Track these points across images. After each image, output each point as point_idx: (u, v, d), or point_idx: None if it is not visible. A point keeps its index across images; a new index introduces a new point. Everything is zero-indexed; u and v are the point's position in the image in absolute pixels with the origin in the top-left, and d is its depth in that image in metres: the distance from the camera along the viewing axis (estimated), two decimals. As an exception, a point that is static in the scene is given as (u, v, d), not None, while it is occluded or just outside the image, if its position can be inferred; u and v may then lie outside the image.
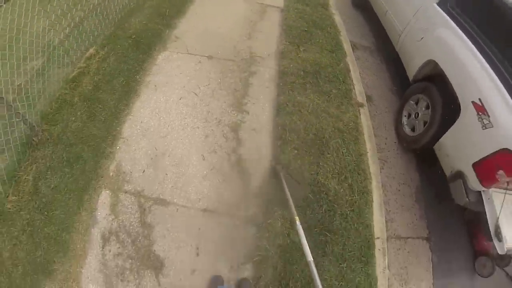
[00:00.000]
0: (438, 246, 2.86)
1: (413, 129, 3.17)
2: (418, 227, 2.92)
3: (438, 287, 2.67)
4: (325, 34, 3.65)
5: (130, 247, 2.20)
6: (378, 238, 2.57)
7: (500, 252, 2.23)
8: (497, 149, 2.14)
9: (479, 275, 2.75)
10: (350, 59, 3.59)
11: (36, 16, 2.51)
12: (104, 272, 2.12)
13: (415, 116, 3.14)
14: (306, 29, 3.64)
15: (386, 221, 2.74)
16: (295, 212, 1.90)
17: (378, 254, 2.50)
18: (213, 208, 2.34)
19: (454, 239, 2.95)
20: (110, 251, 2.19)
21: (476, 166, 2.32)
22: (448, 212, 3.00)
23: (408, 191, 3.08)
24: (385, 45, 3.89)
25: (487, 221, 2.32)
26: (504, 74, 2.25)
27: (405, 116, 3.28)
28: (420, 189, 3.12)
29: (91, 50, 2.98)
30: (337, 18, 3.99)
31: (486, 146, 2.22)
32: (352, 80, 3.39)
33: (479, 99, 2.30)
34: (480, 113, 2.29)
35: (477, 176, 2.31)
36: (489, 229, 2.64)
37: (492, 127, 2.19)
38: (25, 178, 2.37)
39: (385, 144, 3.28)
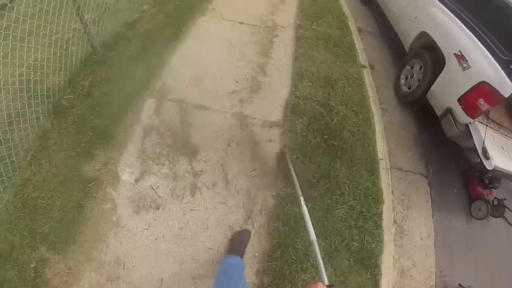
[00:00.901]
0: (436, 184, 3.15)
1: (409, 88, 3.72)
2: (417, 165, 3.25)
3: (436, 218, 2.92)
4: (334, 17, 4.41)
5: (169, 138, 2.59)
6: (381, 159, 2.96)
7: (488, 168, 2.57)
8: (476, 82, 2.67)
9: (474, 217, 3.03)
10: (356, 36, 4.28)
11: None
12: (141, 158, 2.44)
13: (411, 77, 3.71)
14: (318, 12, 4.41)
15: (388, 155, 3.12)
16: (300, 192, 1.93)
17: (382, 172, 2.86)
18: (243, 115, 2.80)
19: (451, 181, 3.26)
20: (149, 141, 2.55)
21: (461, 100, 2.82)
22: (445, 158, 3.38)
23: (407, 136, 3.48)
24: (386, 31, 4.63)
25: (479, 167, 2.68)
26: (477, 30, 2.94)
27: (403, 78, 3.85)
28: (418, 136, 3.52)
29: (145, 7, 3.70)
30: (346, 9, 4.81)
31: (467, 83, 2.76)
32: (357, 50, 4.04)
33: (459, 51, 2.93)
34: (461, 60, 2.90)
35: (463, 108, 2.80)
36: (482, 176, 3.11)
37: (470, 68, 2.78)
38: (82, 84, 2.86)
39: (386, 99, 3.78)
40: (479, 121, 2.85)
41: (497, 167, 2.54)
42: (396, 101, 3.82)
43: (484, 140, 2.68)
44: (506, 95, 2.45)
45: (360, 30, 4.63)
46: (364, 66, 3.83)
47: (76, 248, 2.00)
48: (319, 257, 1.43)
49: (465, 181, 3.29)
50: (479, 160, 2.67)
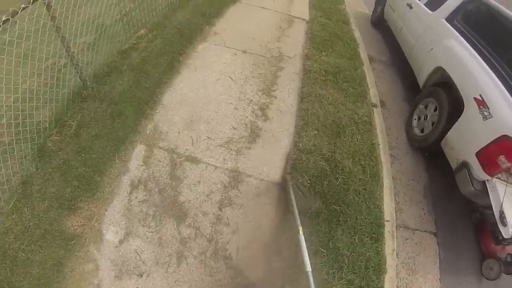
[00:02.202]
0: (445, 242, 2.92)
1: (422, 131, 3.43)
2: (426, 221, 3.01)
3: (444, 282, 2.69)
4: (345, 44, 4.09)
5: (157, 196, 2.39)
6: (387, 221, 2.72)
7: (505, 236, 2.34)
8: (497, 136, 2.37)
9: (485, 278, 2.77)
10: (367, 67, 3.98)
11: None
12: (127, 217, 2.27)
13: (424, 118, 3.42)
14: (328, 38, 4.10)
15: (395, 211, 2.88)
16: (299, 223, 1.99)
17: (387, 236, 2.63)
18: (238, 171, 2.56)
19: (462, 237, 3.01)
20: (136, 197, 2.36)
21: (479, 154, 2.53)
22: (456, 212, 3.12)
23: (417, 187, 3.23)
24: (399, 60, 4.30)
25: (493, 221, 2.44)
26: (502, 73, 2.64)
27: (415, 119, 3.57)
28: (428, 187, 3.26)
29: (142, 31, 3.42)
30: (357, 34, 4.47)
31: (487, 135, 2.46)
32: (368, 84, 3.74)
33: (480, 95, 2.60)
34: (481, 107, 2.57)
35: (480, 164, 2.51)
36: (495, 231, 2.72)
37: (492, 117, 2.46)
38: (70, 123, 2.65)
39: (396, 143, 3.52)
40: (498, 178, 2.57)
41: None
42: (407, 145, 3.55)
43: (502, 203, 2.41)
44: None
45: (371, 59, 4.33)
46: (375, 105, 3.55)
47: (55, 311, 1.82)
48: None
49: (477, 236, 3.03)
50: (491, 212, 2.44)
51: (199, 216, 2.30)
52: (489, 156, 2.44)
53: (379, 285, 2.29)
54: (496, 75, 2.59)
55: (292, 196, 2.23)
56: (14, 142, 2.29)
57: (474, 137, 2.59)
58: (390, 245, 2.58)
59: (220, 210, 2.34)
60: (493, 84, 2.56)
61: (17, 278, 1.93)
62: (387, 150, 3.22)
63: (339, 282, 2.20)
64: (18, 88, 2.35)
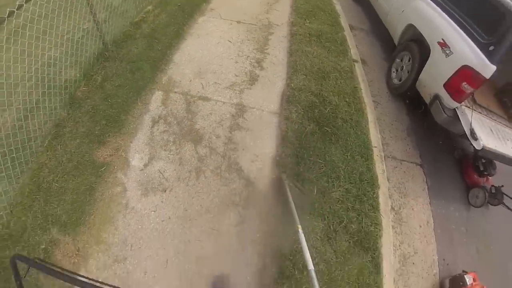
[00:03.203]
0: (431, 173, 3.21)
1: (400, 80, 3.93)
2: (411, 154, 3.34)
3: (434, 205, 2.98)
4: (326, 14, 4.65)
5: (175, 126, 2.80)
6: (375, 147, 3.11)
7: (477, 148, 2.68)
8: (458, 67, 2.86)
9: (472, 205, 3.10)
10: (348, 33, 4.51)
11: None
12: (150, 145, 2.64)
13: (401, 69, 3.93)
14: (311, 10, 4.66)
15: (382, 144, 3.25)
16: (297, 221, 1.90)
17: (376, 159, 2.99)
18: (243, 105, 3.02)
19: (446, 171, 3.32)
20: (158, 129, 2.76)
21: (446, 85, 3.02)
22: (438, 150, 3.47)
23: (400, 127, 3.60)
24: (378, 29, 4.87)
25: (474, 155, 2.80)
26: (460, 20, 3.14)
27: (394, 72, 4.08)
28: (411, 128, 3.63)
29: (149, 7, 3.95)
30: (338, 7, 5.06)
31: (450, 68, 2.95)
32: (349, 45, 4.26)
33: (442, 39, 3.14)
34: (444, 48, 3.10)
35: (449, 93, 2.99)
36: (477, 164, 3.22)
37: (453, 53, 2.97)
38: (95, 78, 3.08)
39: (378, 92, 3.99)
40: (466, 106, 3.02)
41: (486, 147, 2.67)
42: (388, 94, 4.01)
43: (471, 122, 2.81)
44: (487, 76, 2.61)
45: (352, 28, 4.87)
46: (356, 61, 4.05)
47: (86, 230, 2.11)
48: (317, 286, 1.43)
49: (461, 170, 3.36)
50: (473, 148, 2.75)
51: (213, 139, 2.73)
52: (454, 85, 2.90)
53: (374, 196, 2.62)
54: (455, 22, 3.13)
55: (289, 195, 2.21)
56: (52, 89, 2.65)
57: (441, 72, 3.08)
58: (380, 166, 2.93)
59: (231, 133, 2.78)
60: (452, 29, 3.09)
61: (51, 206, 2.15)
62: (369, 95, 3.69)
63: (338, 190, 2.55)
64: (46, 54, 2.69)
